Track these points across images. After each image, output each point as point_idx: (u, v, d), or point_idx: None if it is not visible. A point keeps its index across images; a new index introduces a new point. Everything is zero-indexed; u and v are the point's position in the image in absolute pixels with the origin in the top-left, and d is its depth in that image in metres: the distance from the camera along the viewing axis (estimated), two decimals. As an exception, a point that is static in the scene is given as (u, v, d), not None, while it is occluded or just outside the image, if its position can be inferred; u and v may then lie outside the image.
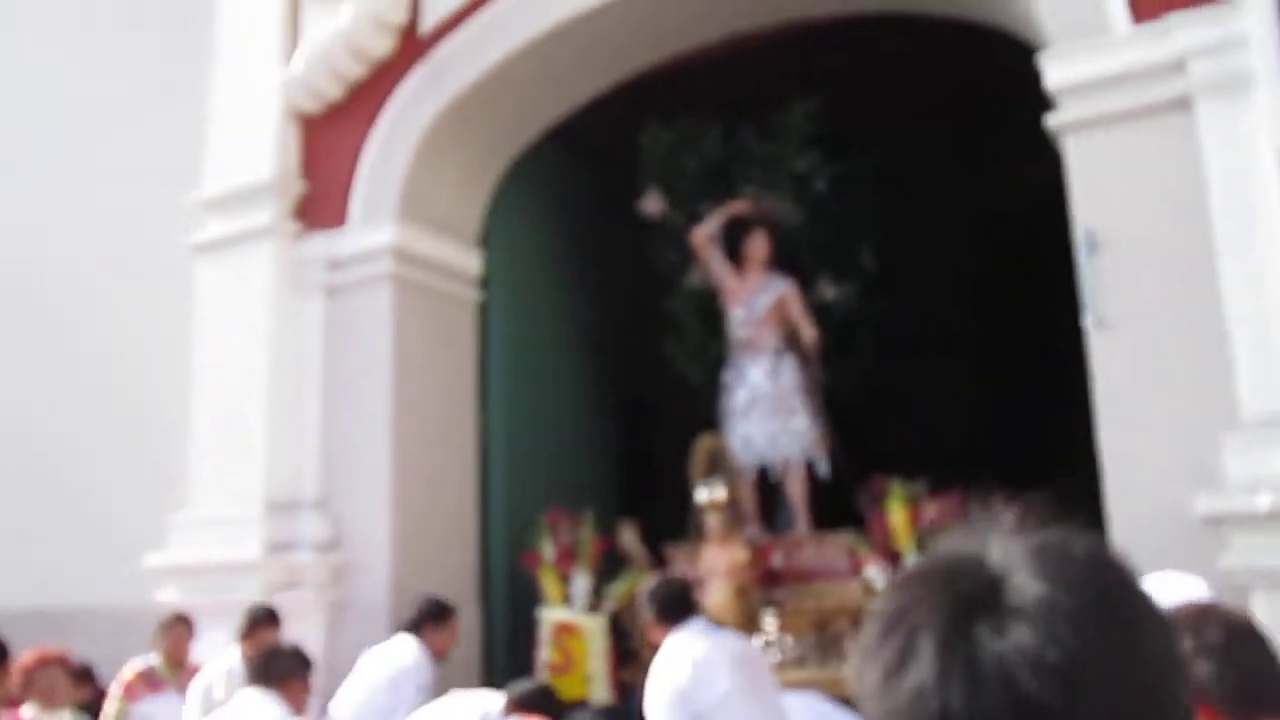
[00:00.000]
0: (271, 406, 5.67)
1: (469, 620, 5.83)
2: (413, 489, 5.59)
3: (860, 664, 0.72)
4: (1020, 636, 0.66)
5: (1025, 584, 0.69)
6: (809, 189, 6.23)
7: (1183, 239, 4.00)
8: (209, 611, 5.22)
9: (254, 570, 5.38)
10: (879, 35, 5.78)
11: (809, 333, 5.89)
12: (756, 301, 5.95)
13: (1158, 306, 4.03)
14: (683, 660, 3.59)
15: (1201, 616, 1.52)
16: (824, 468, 5.79)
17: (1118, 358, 4.07)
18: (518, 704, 3.86)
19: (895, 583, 0.75)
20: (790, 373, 5.85)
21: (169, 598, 5.56)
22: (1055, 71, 4.30)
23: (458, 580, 5.82)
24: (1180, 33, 4.03)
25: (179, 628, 4.96)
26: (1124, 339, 4.06)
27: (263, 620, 4.60)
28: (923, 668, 0.67)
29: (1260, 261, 3.80)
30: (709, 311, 6.33)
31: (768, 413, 5.78)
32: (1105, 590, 0.70)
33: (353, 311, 5.78)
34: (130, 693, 4.72)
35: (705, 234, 6.04)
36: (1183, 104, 4.04)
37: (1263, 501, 3.55)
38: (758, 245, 6.03)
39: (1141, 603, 0.71)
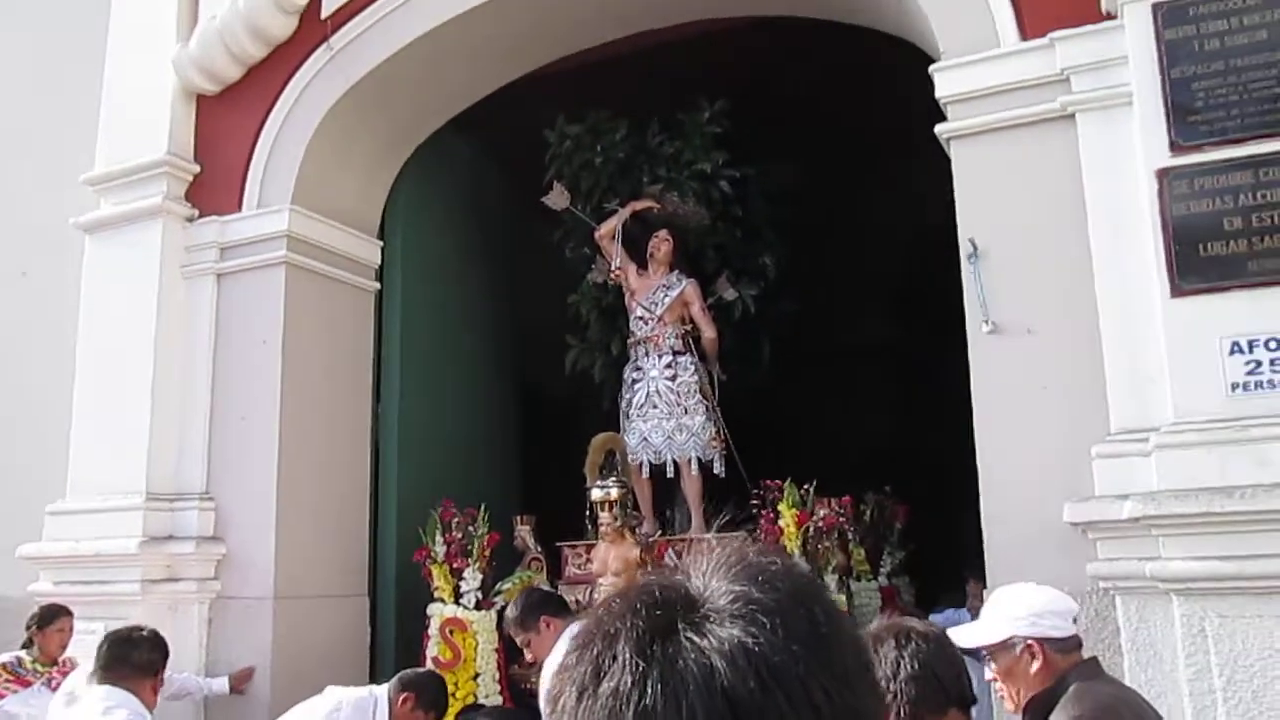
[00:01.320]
0: (156, 394, 5.51)
1: (356, 615, 5.75)
2: (299, 481, 5.48)
3: (556, 687, 0.71)
4: (719, 632, 0.66)
5: (723, 588, 0.70)
6: (714, 190, 6.23)
7: (1062, 250, 4.08)
8: (83, 603, 5.06)
9: (131, 562, 5.22)
10: (787, 41, 5.81)
11: (708, 333, 5.94)
12: (657, 299, 5.96)
13: (1037, 316, 4.11)
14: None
15: (901, 630, 1.70)
16: (719, 467, 5.82)
17: (997, 365, 4.15)
18: (406, 684, 4.00)
19: (594, 607, 0.74)
20: (689, 372, 5.87)
21: (42, 589, 5.39)
22: (945, 82, 4.36)
23: (345, 574, 5.73)
24: (1064, 48, 4.12)
25: (58, 620, 4.80)
26: (1003, 347, 4.13)
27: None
28: (620, 672, 0.66)
29: (1131, 277, 3.89)
30: (611, 308, 6.33)
31: (665, 411, 5.81)
32: (799, 591, 0.71)
33: (243, 298, 5.64)
34: (-12, 686, 4.55)
35: (608, 230, 6.05)
36: (1065, 118, 4.13)
37: (1125, 509, 3.64)
38: (660, 244, 6.04)
39: (832, 607, 0.72)
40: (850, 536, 5.71)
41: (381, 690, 4.03)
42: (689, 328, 6.00)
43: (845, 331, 9.05)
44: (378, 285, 6.21)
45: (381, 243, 6.26)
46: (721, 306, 6.20)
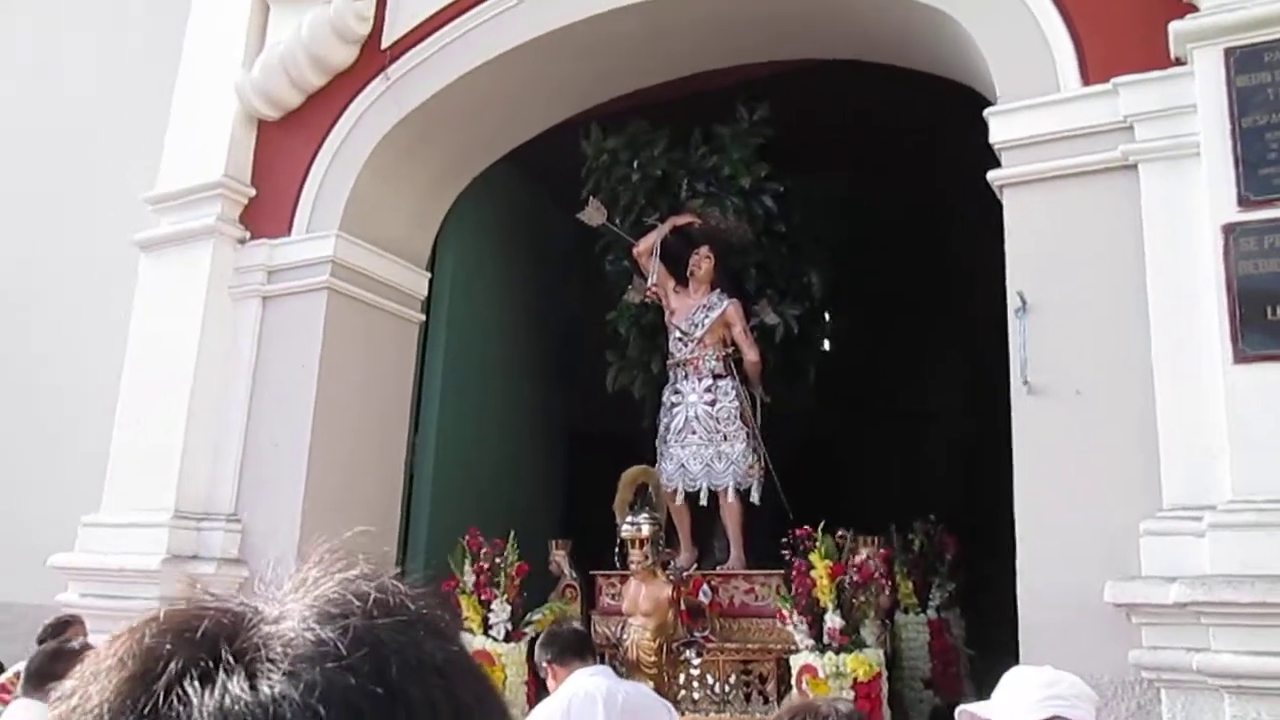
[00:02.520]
0: (193, 412, 5.52)
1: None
2: (327, 508, 5.41)
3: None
4: (255, 685, 0.53)
5: (291, 627, 0.56)
6: (756, 205, 6.00)
7: (1118, 308, 3.80)
8: (105, 617, 5.04)
9: (151, 578, 5.19)
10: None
11: (750, 355, 5.70)
12: (697, 320, 5.74)
13: (1087, 377, 3.82)
14: (562, 698, 3.52)
15: (811, 711, 1.49)
16: (756, 496, 5.58)
17: (1042, 426, 3.86)
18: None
19: (125, 632, 0.58)
20: (729, 397, 5.63)
21: (68, 599, 5.41)
22: (1000, 127, 4.13)
23: (369, 607, 5.62)
24: (1128, 94, 3.87)
25: (67, 631, 4.79)
26: (1049, 407, 3.85)
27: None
28: None
29: (1191, 340, 3.59)
30: (651, 325, 6.14)
31: (704, 438, 5.58)
32: (380, 640, 0.56)
33: (286, 322, 5.64)
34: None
35: (646, 246, 5.87)
36: (1127, 168, 3.86)
37: (1171, 593, 3.32)
38: (701, 261, 5.83)
39: (435, 661, 0.57)
40: (897, 569, 5.43)
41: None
42: (730, 349, 5.77)
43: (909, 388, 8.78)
44: (423, 316, 6.16)
45: (430, 274, 6.23)
46: (764, 329, 5.96)
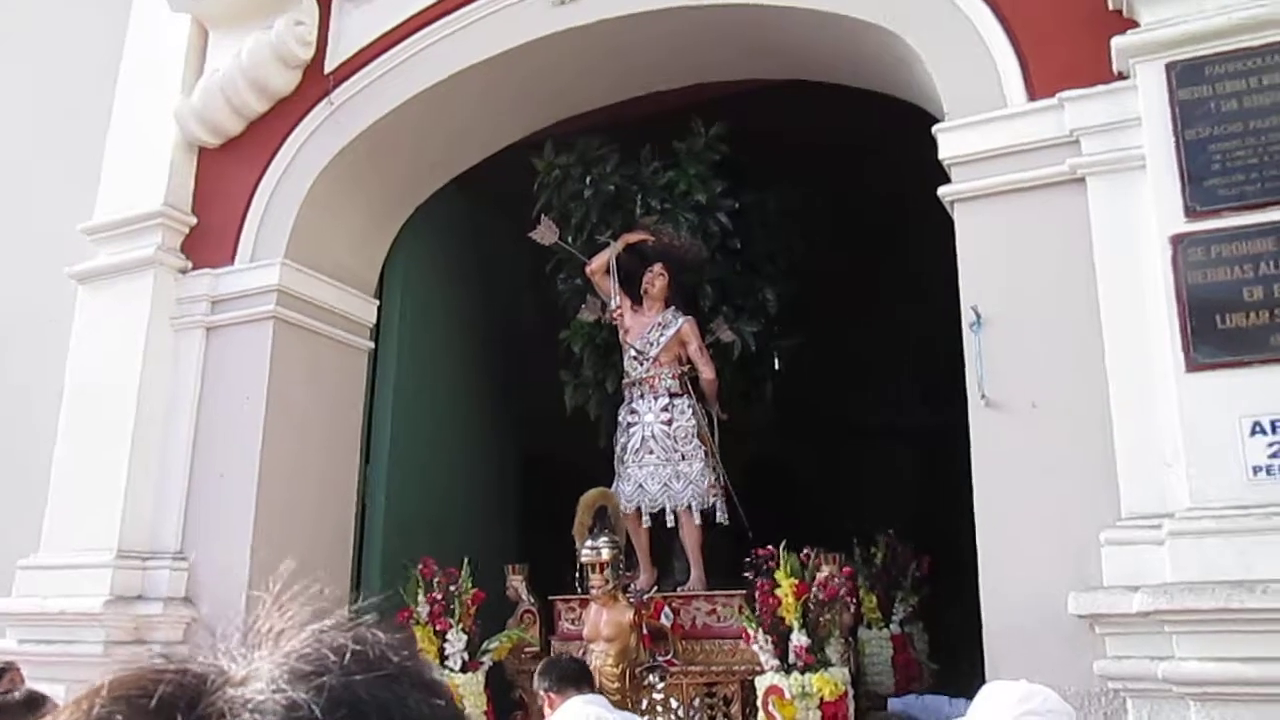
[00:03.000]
0: (135, 448, 5.36)
1: (332, 687, 5.48)
2: (277, 543, 5.27)
3: None
4: None
5: (259, 689, 0.51)
6: (711, 221, 5.95)
7: (1071, 320, 3.83)
8: (46, 664, 4.86)
9: (95, 621, 5.01)
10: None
11: (707, 373, 5.66)
12: (652, 339, 5.69)
13: (1043, 390, 3.84)
14: None
15: None
16: (720, 515, 5.53)
17: (1000, 440, 3.87)
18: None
19: (80, 698, 0.52)
20: (686, 415, 5.58)
21: (7, 646, 5.20)
22: (949, 143, 4.16)
23: (323, 643, 5.48)
24: (1074, 109, 3.92)
25: (4, 679, 4.60)
26: (1007, 421, 3.86)
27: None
28: None
29: (1144, 351, 3.63)
30: (606, 344, 6.07)
31: (662, 457, 5.52)
32: (354, 702, 0.51)
33: (231, 353, 5.51)
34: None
35: (600, 264, 5.81)
36: (1075, 181, 3.90)
37: (1134, 602, 3.33)
38: (655, 279, 5.79)
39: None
40: (861, 584, 5.42)
41: None
42: (686, 368, 5.70)
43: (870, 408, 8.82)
44: (372, 344, 6.06)
45: (379, 301, 6.13)
46: (720, 346, 5.92)
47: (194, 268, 5.70)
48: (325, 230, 5.73)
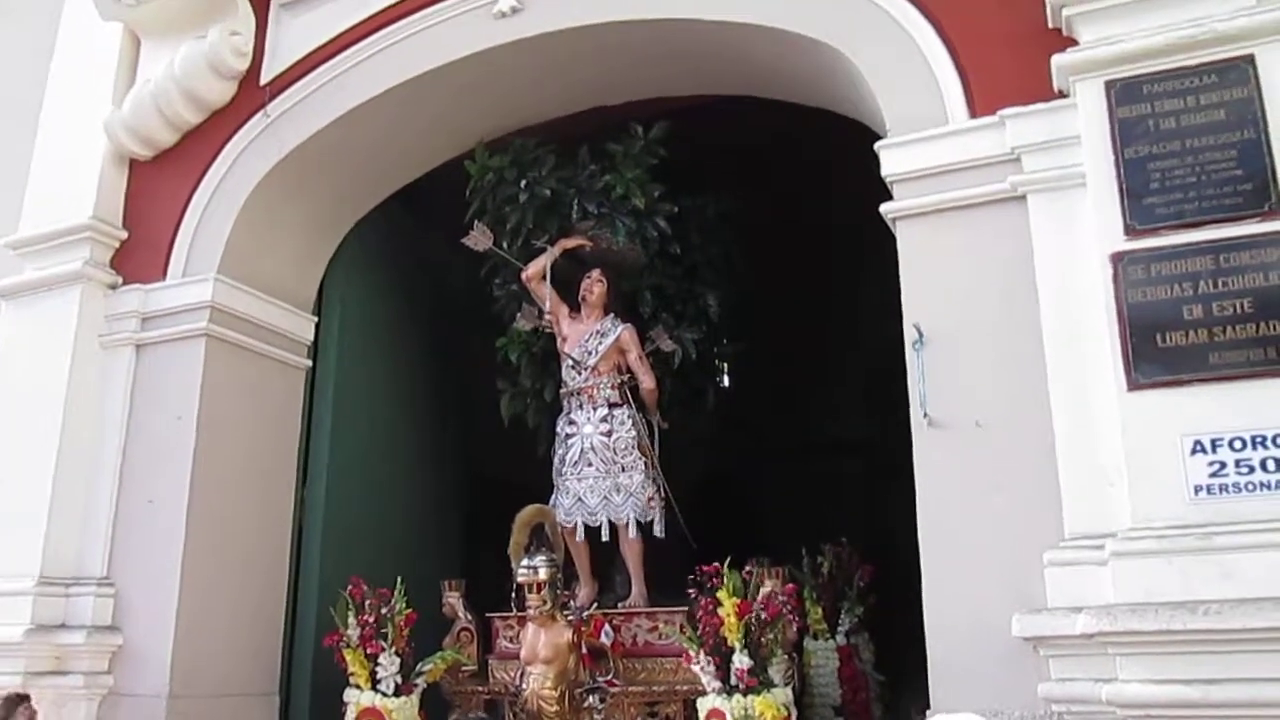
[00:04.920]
0: (61, 470, 5.16)
1: (265, 713, 5.33)
2: (208, 568, 5.11)
3: None
4: None
5: None
6: (649, 226, 5.78)
7: (1014, 339, 3.80)
8: (-38, 697, 4.65)
9: (14, 651, 4.81)
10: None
11: (647, 382, 5.54)
12: (591, 347, 5.56)
13: (986, 408, 3.81)
14: None
15: None
16: (659, 529, 5.41)
17: (943, 459, 3.83)
18: None
19: None
20: (625, 426, 5.45)
21: (-78, 678, 4.98)
22: (891, 160, 4.14)
23: (256, 670, 5.32)
24: (1015, 126, 3.91)
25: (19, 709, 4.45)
26: (950, 440, 3.82)
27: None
28: None
29: (1086, 369, 3.61)
30: (543, 352, 5.90)
31: (601, 470, 5.39)
32: None
33: (161, 371, 5.34)
34: None
35: (536, 271, 5.65)
36: (1016, 199, 3.89)
37: (1077, 624, 3.29)
38: (593, 286, 5.66)
39: None
40: (807, 595, 5.34)
41: None
42: (626, 377, 5.55)
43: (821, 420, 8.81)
44: (309, 362, 5.91)
45: (316, 318, 5.98)
46: (661, 355, 5.78)
47: (124, 283, 5.53)
48: (261, 245, 5.58)
